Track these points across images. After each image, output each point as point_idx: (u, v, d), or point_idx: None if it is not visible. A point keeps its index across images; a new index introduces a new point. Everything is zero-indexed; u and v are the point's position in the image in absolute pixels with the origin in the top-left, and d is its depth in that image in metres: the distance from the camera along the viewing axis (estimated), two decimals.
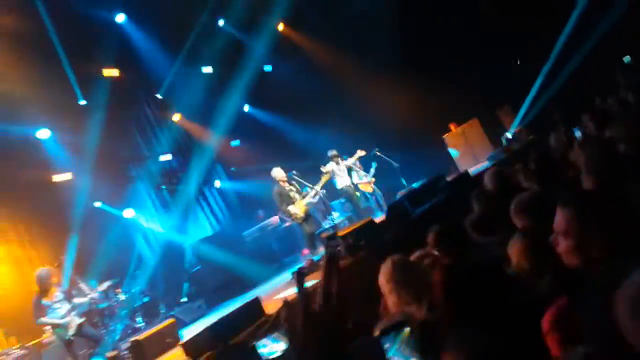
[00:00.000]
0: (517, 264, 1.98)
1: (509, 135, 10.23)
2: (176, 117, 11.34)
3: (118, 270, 8.40)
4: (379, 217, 7.20)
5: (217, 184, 12.35)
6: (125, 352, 5.81)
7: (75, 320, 5.69)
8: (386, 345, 2.29)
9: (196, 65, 11.27)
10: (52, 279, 5.70)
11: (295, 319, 2.43)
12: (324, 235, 6.51)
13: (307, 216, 7.33)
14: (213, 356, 3.98)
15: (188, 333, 5.56)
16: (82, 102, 9.18)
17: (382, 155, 9.71)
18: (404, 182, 9.74)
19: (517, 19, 10.00)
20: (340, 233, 5.69)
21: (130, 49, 9.80)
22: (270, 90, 12.22)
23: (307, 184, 7.72)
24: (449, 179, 7.45)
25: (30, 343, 6.62)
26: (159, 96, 11.07)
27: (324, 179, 7.89)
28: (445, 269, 2.06)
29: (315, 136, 11.41)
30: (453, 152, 10.89)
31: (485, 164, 9.08)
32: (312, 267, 5.87)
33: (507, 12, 10.05)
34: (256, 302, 4.63)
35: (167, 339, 5.27)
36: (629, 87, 6.71)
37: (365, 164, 9.89)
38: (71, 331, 5.63)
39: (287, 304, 3.19)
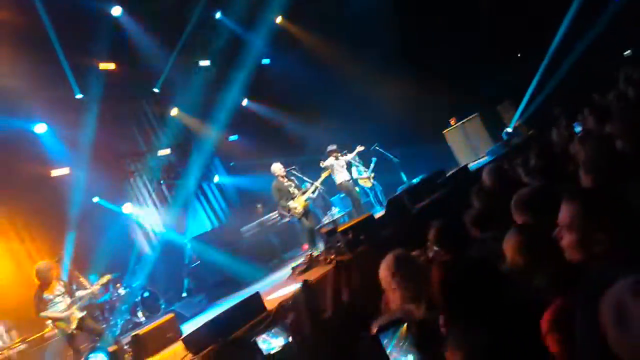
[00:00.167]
0: (512, 261, 1.98)
1: (509, 130, 10.22)
2: (174, 111, 11.29)
3: (118, 265, 8.40)
4: (379, 213, 7.20)
5: (216, 178, 12.33)
6: (126, 347, 5.82)
7: (77, 314, 5.70)
8: (385, 342, 2.30)
9: (193, 58, 11.21)
10: (52, 272, 5.69)
11: (302, 325, 2.45)
12: (323, 230, 6.51)
13: (307, 212, 7.33)
14: (213, 351, 3.99)
15: (188, 328, 5.56)
16: (79, 96, 9.13)
17: (382, 151, 9.70)
18: (404, 177, 9.74)
19: (517, 14, 9.96)
20: (340, 228, 5.68)
21: (127, 43, 9.72)
22: (268, 84, 12.16)
23: (306, 179, 7.71)
24: (448, 174, 7.45)
25: (32, 337, 6.63)
26: (156, 90, 11.03)
27: (324, 174, 7.88)
28: (443, 266, 2.06)
29: (315, 131, 11.38)
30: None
31: (485, 158, 9.08)
32: (312, 262, 5.88)
33: (506, 8, 10.00)
34: (256, 297, 4.63)
35: (167, 334, 5.27)
36: (629, 82, 6.70)
37: (365, 159, 9.89)
38: (73, 325, 5.64)
39: (293, 308, 3.14)
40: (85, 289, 6.10)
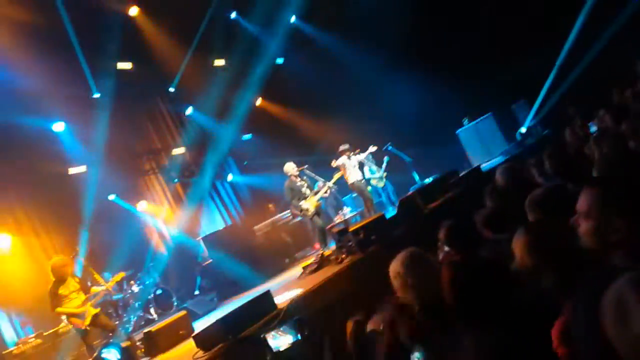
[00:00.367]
0: (520, 260, 1.96)
1: (523, 129, 10.09)
2: (189, 110, 11.40)
3: (132, 262, 8.49)
4: (390, 213, 7.17)
5: (230, 177, 12.41)
6: (139, 343, 5.89)
7: (91, 311, 5.77)
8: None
9: (208, 58, 11.30)
10: (68, 268, 5.75)
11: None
12: (335, 229, 6.51)
13: (318, 211, 7.34)
14: (224, 348, 4.02)
15: (200, 325, 5.61)
16: (96, 95, 9.28)
17: (395, 150, 9.65)
18: (416, 177, 9.69)
19: (529, 13, 9.83)
20: (351, 228, 5.68)
21: (143, 42, 9.85)
22: (282, 83, 12.20)
23: (319, 178, 7.72)
24: (461, 174, 7.39)
25: (47, 332, 6.74)
26: (171, 89, 11.14)
27: (337, 175, 7.88)
28: (453, 266, 2.05)
29: (328, 130, 11.38)
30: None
31: (499, 158, 8.98)
32: (323, 262, 5.89)
33: (515, 8, 9.86)
34: (267, 295, 4.66)
35: (179, 331, 5.33)
36: None
37: (377, 158, 9.86)
38: (87, 321, 5.72)
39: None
40: (100, 285, 6.18)
